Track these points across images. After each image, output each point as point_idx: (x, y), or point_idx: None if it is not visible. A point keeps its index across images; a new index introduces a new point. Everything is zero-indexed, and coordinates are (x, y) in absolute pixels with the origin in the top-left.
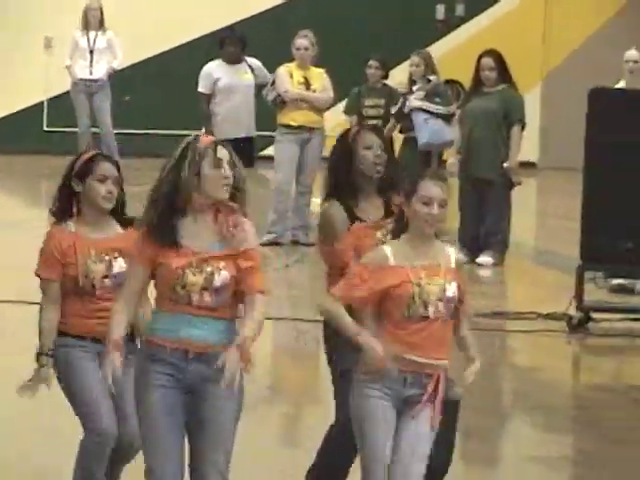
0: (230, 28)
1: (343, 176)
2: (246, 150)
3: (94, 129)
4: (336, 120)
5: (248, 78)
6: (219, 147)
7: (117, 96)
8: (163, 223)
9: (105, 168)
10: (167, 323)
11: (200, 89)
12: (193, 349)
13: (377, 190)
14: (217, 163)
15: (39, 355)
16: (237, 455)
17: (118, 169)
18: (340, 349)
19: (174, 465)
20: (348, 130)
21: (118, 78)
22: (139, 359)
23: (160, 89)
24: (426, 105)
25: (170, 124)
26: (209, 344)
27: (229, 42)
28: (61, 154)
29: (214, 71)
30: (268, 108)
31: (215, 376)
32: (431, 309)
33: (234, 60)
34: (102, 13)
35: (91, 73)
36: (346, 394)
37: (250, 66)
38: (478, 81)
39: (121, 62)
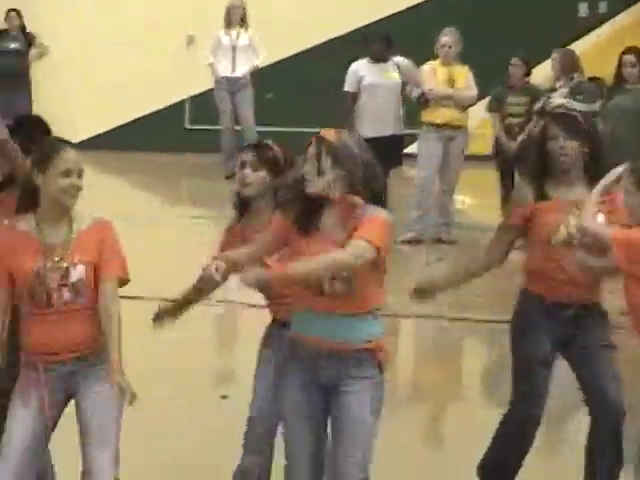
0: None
1: None
2: (394, 148)
3: (236, 127)
4: (479, 118)
5: (393, 77)
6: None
7: (259, 94)
8: (309, 215)
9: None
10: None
11: (346, 87)
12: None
13: None
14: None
15: None
16: (379, 454)
17: None
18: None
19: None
20: None
21: (260, 75)
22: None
23: (301, 87)
24: (569, 103)
25: (311, 122)
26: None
27: (373, 40)
28: (203, 152)
29: (359, 69)
30: (412, 106)
31: (352, 373)
32: None
33: (379, 58)
34: (245, 11)
35: (234, 71)
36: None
37: (397, 65)
38: (620, 78)
39: (264, 60)
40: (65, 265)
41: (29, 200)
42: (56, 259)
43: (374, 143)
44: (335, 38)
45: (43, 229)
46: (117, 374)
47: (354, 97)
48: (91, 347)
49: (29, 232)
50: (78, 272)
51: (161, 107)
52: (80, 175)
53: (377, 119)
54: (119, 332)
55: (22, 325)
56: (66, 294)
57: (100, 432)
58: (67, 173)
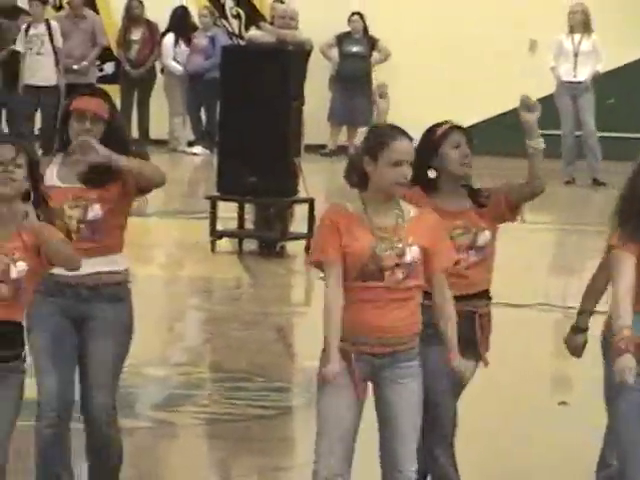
0: None
1: None
2: None
3: (577, 132)
4: None
5: None
6: None
7: (600, 99)
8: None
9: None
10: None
11: None
12: None
13: None
14: None
15: None
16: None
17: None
18: None
19: None
20: None
21: (601, 81)
22: None
23: None
24: None
25: None
26: None
27: None
28: (544, 157)
29: None
30: None
31: None
32: None
33: None
34: (587, 16)
35: (575, 76)
36: None
37: None
38: None
39: (604, 65)
40: (400, 245)
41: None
42: (394, 239)
43: None
44: None
45: (371, 213)
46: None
47: None
48: (410, 337)
49: (360, 214)
50: (413, 253)
51: (503, 111)
52: (411, 163)
53: None
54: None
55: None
56: (399, 274)
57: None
58: (397, 163)
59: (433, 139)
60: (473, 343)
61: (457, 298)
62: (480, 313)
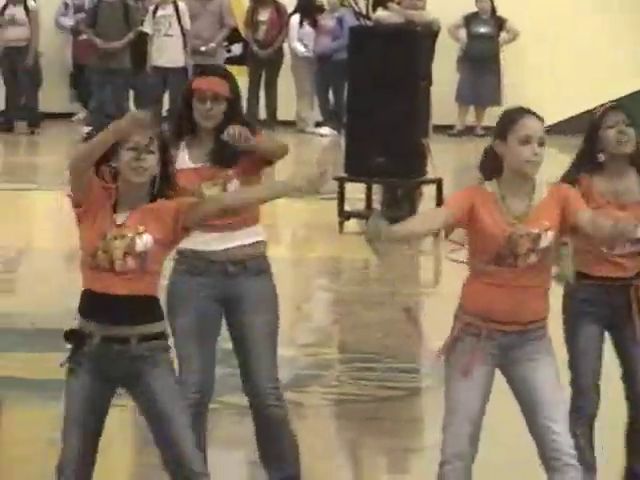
0: None
1: None
2: None
3: None
4: None
5: None
6: None
7: None
8: None
9: None
10: None
11: None
12: None
13: None
14: None
15: None
16: None
17: None
18: None
19: None
20: None
21: None
22: None
23: None
24: None
25: None
26: None
27: None
28: None
29: None
30: None
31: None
32: None
33: None
34: None
35: None
36: None
37: None
38: None
39: None
40: (536, 231)
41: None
42: (530, 224)
43: None
44: None
45: (507, 197)
46: None
47: None
48: (540, 321)
49: (495, 195)
50: (549, 237)
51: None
52: (542, 144)
53: None
54: None
55: (472, 287)
56: (533, 258)
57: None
58: (526, 140)
59: (592, 122)
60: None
61: (608, 279)
62: (636, 285)
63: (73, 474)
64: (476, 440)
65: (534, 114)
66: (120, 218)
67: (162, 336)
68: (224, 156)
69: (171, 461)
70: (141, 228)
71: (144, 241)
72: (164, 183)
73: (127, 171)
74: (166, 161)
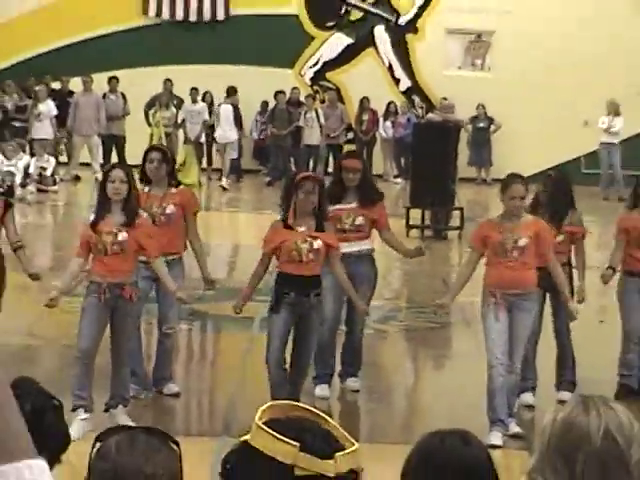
0: None
1: None
2: None
3: None
4: None
5: None
6: None
7: None
8: None
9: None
10: None
11: None
12: None
13: None
14: None
15: None
16: None
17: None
18: None
19: None
20: None
21: None
22: None
23: None
24: None
25: None
26: None
27: None
28: None
29: None
30: None
31: None
32: None
33: None
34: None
35: None
36: None
37: None
38: None
39: None
40: (516, 237)
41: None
42: (513, 233)
43: None
44: None
45: (503, 221)
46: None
47: None
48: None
49: (497, 221)
50: (525, 241)
51: None
52: (523, 198)
53: None
54: None
55: (488, 269)
56: (516, 253)
57: None
58: (512, 198)
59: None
60: None
61: None
62: None
63: None
64: (507, 354)
65: (520, 179)
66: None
67: (319, 294)
68: (368, 200)
69: (298, 374)
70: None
71: (318, 243)
72: (321, 216)
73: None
74: (321, 202)
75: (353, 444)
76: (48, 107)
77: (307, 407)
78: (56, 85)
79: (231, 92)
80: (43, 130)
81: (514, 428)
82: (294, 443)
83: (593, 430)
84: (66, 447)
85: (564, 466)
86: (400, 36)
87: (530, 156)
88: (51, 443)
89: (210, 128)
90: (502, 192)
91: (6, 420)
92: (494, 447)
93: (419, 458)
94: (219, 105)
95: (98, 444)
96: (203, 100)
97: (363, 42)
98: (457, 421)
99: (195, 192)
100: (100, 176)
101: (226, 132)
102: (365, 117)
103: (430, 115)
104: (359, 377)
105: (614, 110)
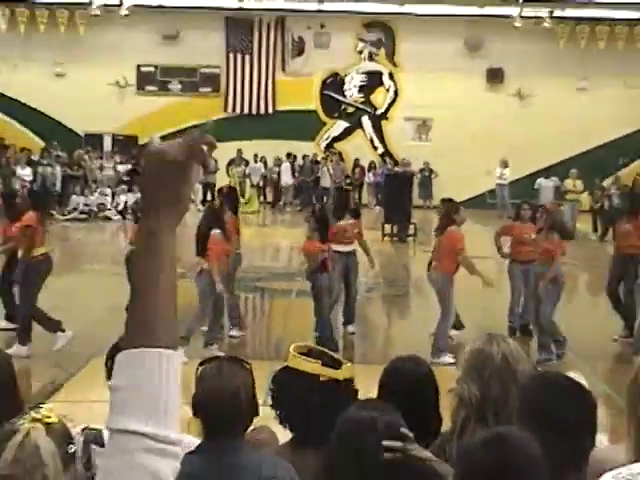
0: None
1: None
2: None
3: None
4: None
5: None
6: None
7: None
8: None
9: None
10: None
11: None
12: None
13: None
14: None
15: None
16: None
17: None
18: None
19: None
20: None
21: None
22: None
23: None
24: None
25: None
26: None
27: None
28: None
29: None
30: None
31: None
32: None
33: None
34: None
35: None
36: None
37: None
38: None
39: None
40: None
41: None
42: None
43: None
44: None
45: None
46: None
47: None
48: None
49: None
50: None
51: None
52: (461, 223)
53: None
54: None
55: None
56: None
57: None
58: (462, 221)
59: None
60: None
61: None
62: None
63: None
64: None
65: (456, 203)
66: None
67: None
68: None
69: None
70: None
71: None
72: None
73: None
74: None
75: (348, 363)
76: None
77: (318, 347)
78: None
79: (289, 157)
80: None
81: (449, 359)
82: (317, 361)
83: (495, 354)
84: None
85: (477, 377)
86: (377, 121)
87: (455, 191)
88: None
89: (264, 178)
90: (455, 212)
91: (167, 308)
92: (439, 365)
93: (388, 374)
94: (280, 164)
95: (200, 367)
96: (261, 161)
97: (355, 125)
98: (416, 348)
99: (256, 215)
100: (200, 207)
101: (287, 179)
102: (357, 170)
103: (396, 168)
104: (354, 324)
105: (504, 164)
